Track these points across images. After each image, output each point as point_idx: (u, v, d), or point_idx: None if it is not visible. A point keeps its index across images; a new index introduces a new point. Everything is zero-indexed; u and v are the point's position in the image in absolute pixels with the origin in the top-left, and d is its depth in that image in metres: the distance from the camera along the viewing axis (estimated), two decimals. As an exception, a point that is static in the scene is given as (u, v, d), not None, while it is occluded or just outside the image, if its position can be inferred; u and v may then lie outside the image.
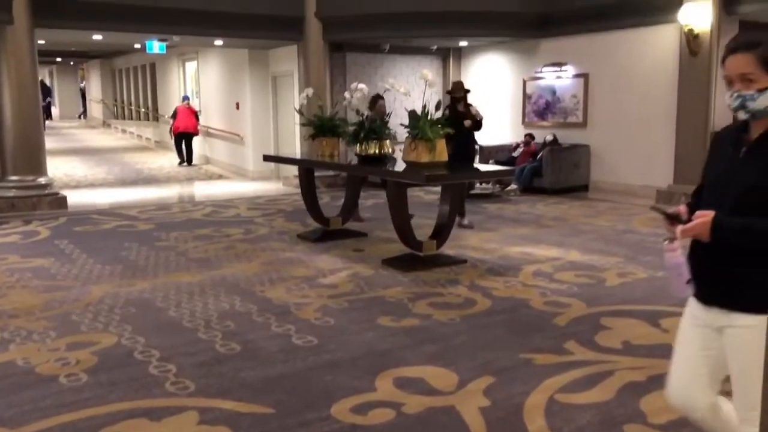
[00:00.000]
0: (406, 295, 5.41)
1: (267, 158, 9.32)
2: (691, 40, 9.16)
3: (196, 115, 16.44)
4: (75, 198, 10.78)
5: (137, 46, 15.88)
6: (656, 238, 7.50)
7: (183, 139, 16.35)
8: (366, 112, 7.80)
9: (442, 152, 6.32)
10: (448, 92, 8.75)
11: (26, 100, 9.61)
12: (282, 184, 12.89)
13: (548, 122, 12.02)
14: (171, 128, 16.76)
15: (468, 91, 8.64)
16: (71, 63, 30.95)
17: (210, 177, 14.75)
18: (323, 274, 6.13)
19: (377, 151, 7.13)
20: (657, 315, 4.79)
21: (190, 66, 17.76)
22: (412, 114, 6.44)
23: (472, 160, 8.91)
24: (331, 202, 10.04)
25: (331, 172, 11.25)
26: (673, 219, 2.05)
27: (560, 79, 11.75)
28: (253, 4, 10.98)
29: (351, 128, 7.47)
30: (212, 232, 8.17)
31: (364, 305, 5.17)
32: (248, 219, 9.13)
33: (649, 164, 10.36)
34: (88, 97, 31.42)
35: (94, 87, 29.05)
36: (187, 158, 16.45)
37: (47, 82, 33.16)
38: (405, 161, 6.51)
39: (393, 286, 5.69)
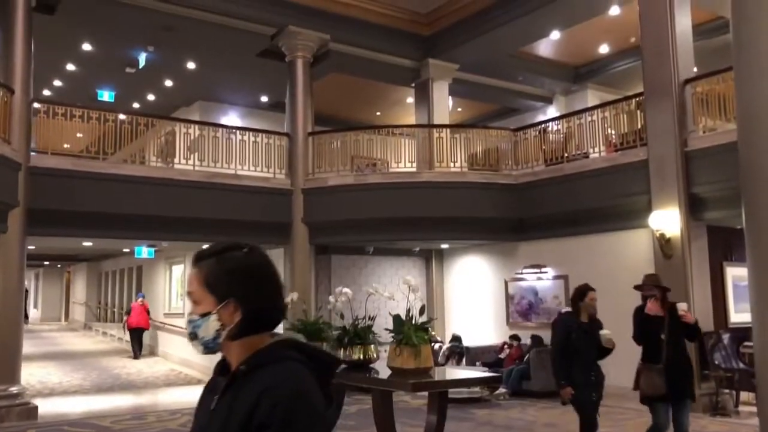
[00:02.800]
0: None
1: (249, 363, 9.11)
2: (663, 244, 9.54)
3: (147, 311, 17.85)
4: (47, 407, 10.32)
5: (126, 250, 16.22)
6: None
7: (135, 333, 17.83)
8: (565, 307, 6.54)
9: (427, 358, 6.24)
10: (637, 288, 6.84)
11: (9, 306, 9.55)
12: (264, 389, 12.50)
13: (533, 323, 12.07)
14: (125, 324, 18.41)
15: (667, 288, 6.52)
16: (58, 266, 31.30)
17: (189, 381, 14.30)
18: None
19: (361, 357, 7.02)
20: None
21: (177, 269, 18.00)
22: (396, 318, 6.46)
23: (689, 380, 6.34)
24: (314, 408, 9.67)
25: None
26: None
27: (541, 281, 11.99)
28: (242, 211, 11.42)
29: (335, 332, 7.42)
30: (188, 445, 7.73)
31: None
32: (227, 428, 8.70)
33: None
34: (71, 300, 31.36)
35: (79, 289, 29.11)
36: (136, 351, 17.86)
37: (32, 284, 33.26)
38: (390, 367, 6.39)
39: (379, 506, 5.30)
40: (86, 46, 12.77)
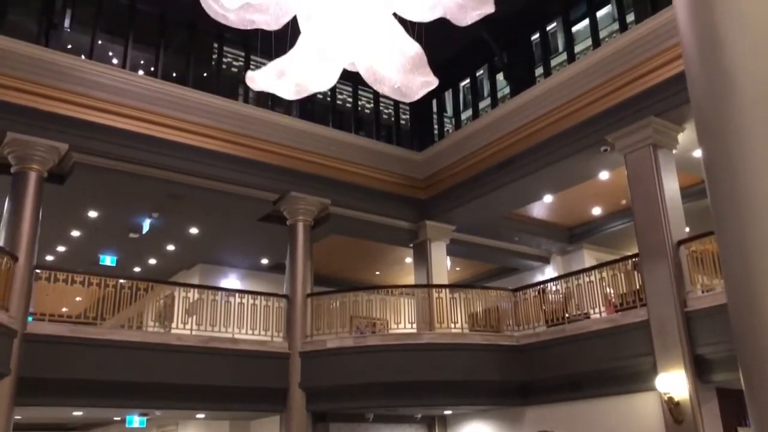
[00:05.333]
0: None
1: None
2: (672, 408, 9.21)
3: None
4: None
5: (117, 418, 15.61)
6: None
7: None
8: None
9: None
10: None
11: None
12: None
13: (543, 494, 11.33)
14: None
15: None
16: (46, 435, 29.94)
17: None
18: None
19: None
20: None
21: (169, 438, 17.23)
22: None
23: None
24: None
25: None
26: None
27: (550, 447, 11.43)
28: (238, 377, 11.13)
29: None
30: None
31: None
32: None
33: None
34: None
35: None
36: None
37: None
38: None
39: None
40: (92, 213, 13.12)
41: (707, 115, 2.83)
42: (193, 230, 14.20)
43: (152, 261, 15.96)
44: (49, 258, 15.14)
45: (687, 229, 10.47)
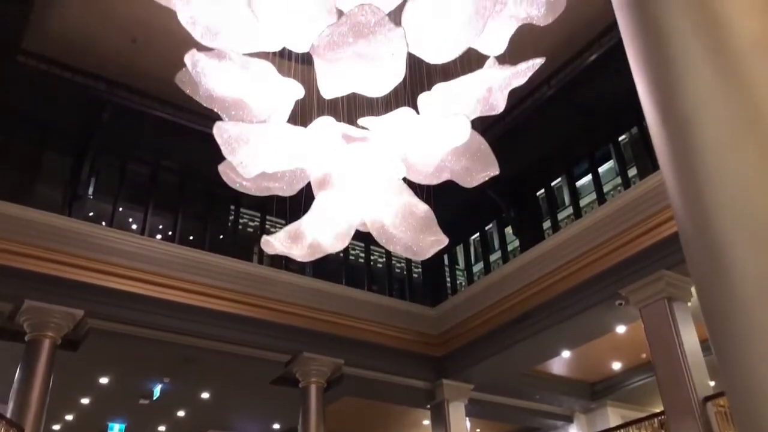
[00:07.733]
0: None
1: None
2: None
3: None
4: None
5: None
6: None
7: None
8: None
9: None
10: None
11: None
12: None
13: None
14: None
15: None
16: None
17: None
18: None
19: None
20: None
21: None
22: None
23: None
24: None
25: None
26: None
27: None
28: None
29: None
30: None
31: None
32: None
33: None
34: None
35: None
36: None
37: None
38: None
39: None
40: (103, 380, 12.90)
41: (708, 298, 2.82)
42: (205, 395, 13.87)
43: (162, 428, 15.45)
44: (56, 427, 14.69)
45: (712, 383, 10.08)
